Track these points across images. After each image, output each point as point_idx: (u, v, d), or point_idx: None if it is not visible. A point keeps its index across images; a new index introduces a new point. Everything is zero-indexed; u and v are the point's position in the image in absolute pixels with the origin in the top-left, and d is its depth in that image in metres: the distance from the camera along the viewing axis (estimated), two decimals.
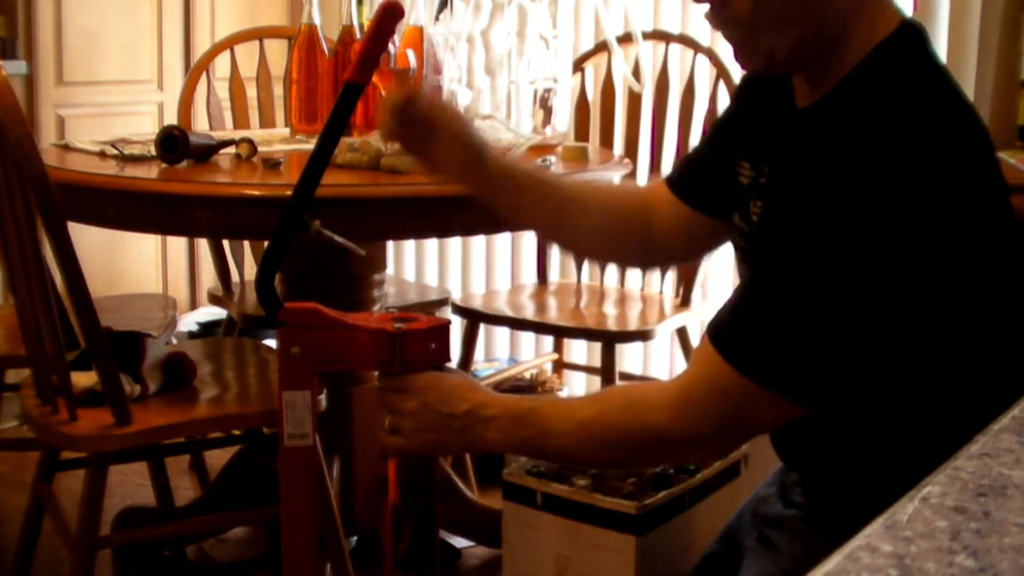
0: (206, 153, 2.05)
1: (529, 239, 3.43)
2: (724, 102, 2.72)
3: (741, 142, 1.30)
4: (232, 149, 2.10)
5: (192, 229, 2.25)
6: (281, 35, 3.08)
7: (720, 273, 3.12)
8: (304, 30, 2.40)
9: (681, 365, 3.16)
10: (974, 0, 2.59)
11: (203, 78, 2.95)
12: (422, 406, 1.23)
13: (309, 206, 1.32)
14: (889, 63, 1.12)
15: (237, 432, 2.34)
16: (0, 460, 2.97)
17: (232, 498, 2.46)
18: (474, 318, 2.76)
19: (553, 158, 2.16)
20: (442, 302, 2.95)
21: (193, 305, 3.73)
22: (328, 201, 1.82)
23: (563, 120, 2.43)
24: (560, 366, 3.26)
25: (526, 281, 3.38)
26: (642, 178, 2.84)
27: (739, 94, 1.37)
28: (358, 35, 2.38)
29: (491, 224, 2.05)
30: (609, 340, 2.60)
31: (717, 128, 1.41)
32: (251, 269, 2.95)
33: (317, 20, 2.40)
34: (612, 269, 3.00)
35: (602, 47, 2.91)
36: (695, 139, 2.77)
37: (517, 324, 2.86)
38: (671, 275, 2.86)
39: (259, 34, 3.05)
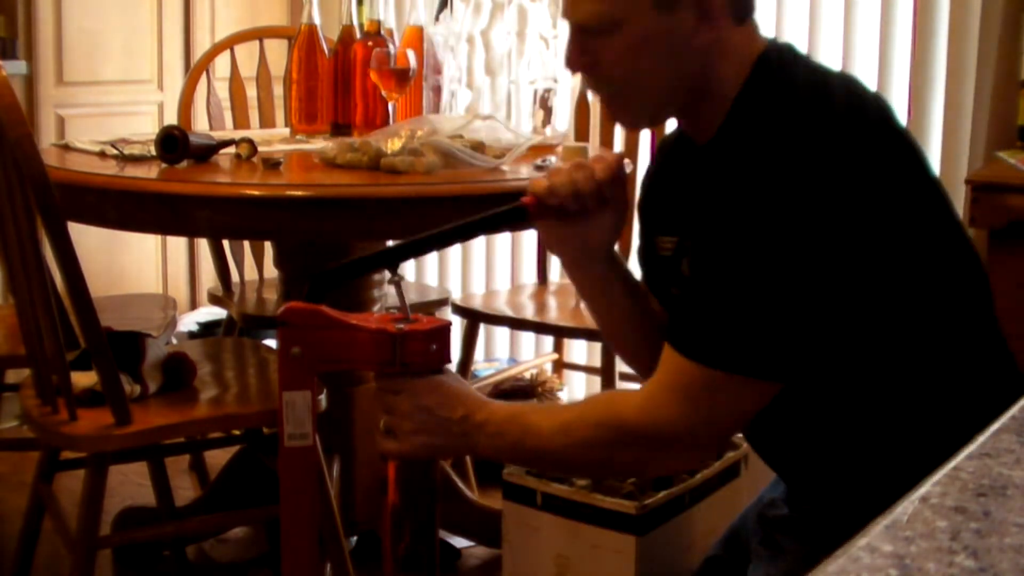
0: (206, 153, 2.05)
1: (529, 239, 3.43)
2: None
3: (655, 224, 1.37)
4: (232, 149, 2.10)
5: (192, 229, 2.25)
6: (281, 35, 3.08)
7: None
8: (304, 30, 2.40)
9: None
10: (974, 0, 2.59)
11: (203, 78, 2.95)
12: (420, 409, 1.23)
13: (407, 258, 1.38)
14: (768, 80, 1.19)
15: (237, 432, 2.34)
16: (0, 460, 2.97)
17: (232, 498, 2.46)
18: (474, 318, 2.76)
19: (553, 158, 2.16)
20: (442, 302, 2.95)
21: (193, 305, 3.73)
22: (328, 201, 1.82)
23: (563, 120, 2.43)
24: (560, 366, 3.26)
25: (526, 281, 3.38)
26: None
27: (645, 182, 1.44)
28: (358, 35, 2.38)
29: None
30: None
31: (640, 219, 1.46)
32: (251, 269, 2.96)
33: (317, 20, 2.40)
34: None
35: None
36: None
37: (517, 324, 2.86)
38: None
39: (259, 34, 3.05)
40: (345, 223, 1.85)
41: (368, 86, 2.31)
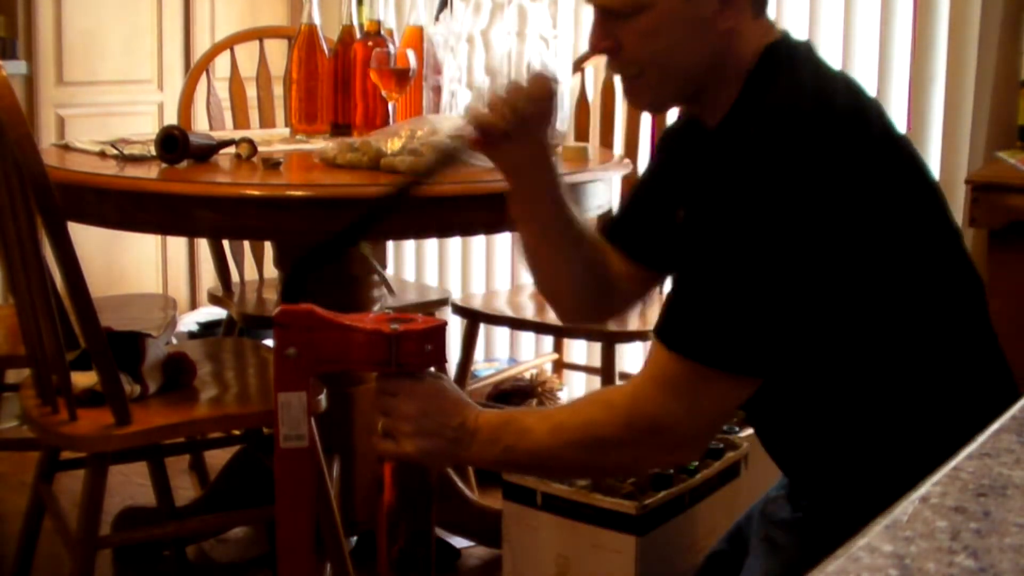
0: (206, 153, 2.05)
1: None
2: None
3: (675, 195, 1.38)
4: (232, 149, 2.10)
5: (192, 229, 2.25)
6: (281, 35, 3.08)
7: None
8: (304, 30, 2.40)
9: None
10: (974, 0, 2.59)
11: (203, 78, 2.95)
12: (417, 413, 1.24)
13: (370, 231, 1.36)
14: (775, 71, 1.21)
15: (237, 432, 2.34)
16: (0, 460, 2.97)
17: (232, 498, 2.46)
18: (474, 318, 2.76)
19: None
20: (442, 302, 2.95)
21: (193, 305, 3.73)
22: (328, 201, 1.82)
23: (563, 120, 2.43)
24: (560, 366, 3.25)
25: (526, 281, 3.37)
26: None
27: (659, 151, 1.48)
28: (358, 35, 2.38)
29: (491, 224, 2.05)
30: (609, 340, 2.60)
31: (644, 185, 1.49)
32: (251, 269, 2.95)
33: (317, 20, 2.40)
34: None
35: None
36: None
37: (517, 324, 2.85)
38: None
39: (259, 34, 3.05)
40: (345, 223, 1.85)
41: (368, 86, 2.31)
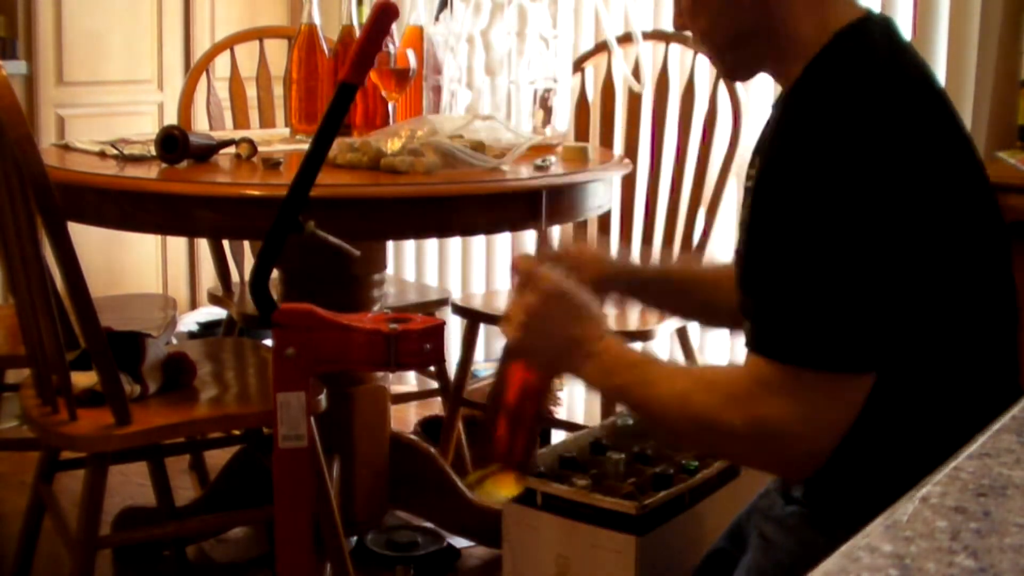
0: (206, 153, 2.05)
1: (529, 239, 3.43)
2: (724, 102, 2.72)
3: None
4: (232, 149, 2.10)
5: (192, 229, 2.25)
6: (281, 35, 3.08)
7: None
8: (304, 30, 2.40)
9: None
10: (974, 0, 2.59)
11: (203, 78, 2.95)
12: (543, 312, 1.24)
13: (304, 207, 1.33)
14: (849, 46, 1.18)
15: (237, 432, 2.34)
16: (0, 460, 2.97)
17: (232, 498, 2.46)
18: (474, 318, 2.76)
19: (553, 158, 2.16)
20: (442, 302, 2.95)
21: (193, 305, 3.73)
22: (328, 201, 1.82)
23: (563, 120, 2.43)
24: None
25: None
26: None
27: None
28: (358, 35, 2.38)
29: (491, 224, 2.05)
30: None
31: None
32: (251, 269, 2.95)
33: (317, 20, 2.40)
34: None
35: (602, 47, 2.90)
36: (695, 140, 2.77)
37: None
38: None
39: (259, 34, 3.05)
40: (345, 223, 1.85)
41: (368, 86, 2.31)
